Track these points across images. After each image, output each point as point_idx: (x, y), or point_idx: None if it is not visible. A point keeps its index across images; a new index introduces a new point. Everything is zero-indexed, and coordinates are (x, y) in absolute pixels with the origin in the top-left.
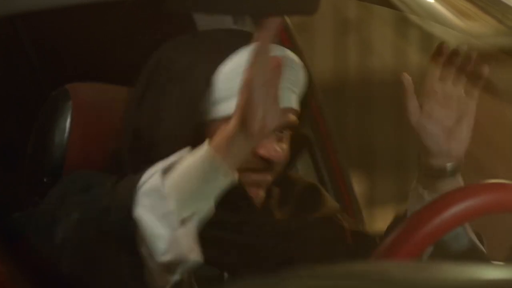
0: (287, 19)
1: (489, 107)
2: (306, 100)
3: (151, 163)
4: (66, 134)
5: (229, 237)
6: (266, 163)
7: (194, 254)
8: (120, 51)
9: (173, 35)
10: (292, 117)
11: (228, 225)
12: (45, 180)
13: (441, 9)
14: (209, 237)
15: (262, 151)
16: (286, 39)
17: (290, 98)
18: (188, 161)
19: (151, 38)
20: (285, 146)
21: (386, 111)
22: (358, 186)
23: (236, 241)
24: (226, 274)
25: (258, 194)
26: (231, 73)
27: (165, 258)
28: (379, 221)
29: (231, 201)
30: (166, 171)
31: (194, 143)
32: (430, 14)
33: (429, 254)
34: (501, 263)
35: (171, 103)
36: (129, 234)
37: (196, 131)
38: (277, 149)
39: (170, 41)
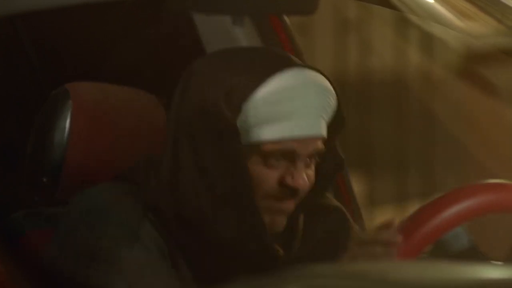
0: (287, 19)
1: (489, 107)
2: (336, 124)
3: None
4: (66, 134)
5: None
6: (291, 192)
7: None
8: (120, 51)
9: (173, 35)
10: (320, 145)
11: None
12: (44, 180)
13: (441, 9)
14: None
15: (289, 180)
16: (286, 39)
17: (320, 126)
18: None
19: (151, 38)
20: (311, 172)
21: (386, 111)
22: (358, 186)
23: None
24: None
25: (279, 222)
26: (270, 98)
27: None
28: (379, 221)
29: (271, 254)
30: None
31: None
32: (430, 14)
33: (428, 254)
34: (501, 263)
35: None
36: None
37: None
38: (304, 178)
39: (202, 59)
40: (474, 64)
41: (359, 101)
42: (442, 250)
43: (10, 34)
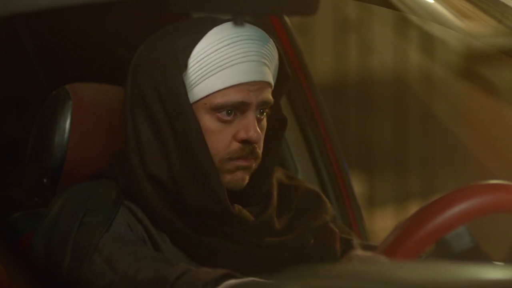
0: (287, 19)
1: (489, 107)
2: (281, 81)
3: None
4: (66, 134)
5: (227, 246)
6: (246, 145)
7: None
8: (120, 51)
9: None
10: (269, 96)
11: (226, 235)
12: (45, 180)
13: (441, 9)
14: (207, 246)
15: (242, 134)
16: (286, 39)
17: (264, 72)
18: None
19: None
20: (263, 126)
21: (386, 111)
22: (358, 186)
23: (234, 250)
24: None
25: (241, 178)
26: (210, 48)
27: None
28: (379, 221)
29: (228, 214)
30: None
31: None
32: (430, 14)
33: (430, 253)
34: (501, 263)
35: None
36: None
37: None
38: (256, 130)
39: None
40: (474, 64)
41: (359, 101)
42: (444, 250)
43: (10, 34)
